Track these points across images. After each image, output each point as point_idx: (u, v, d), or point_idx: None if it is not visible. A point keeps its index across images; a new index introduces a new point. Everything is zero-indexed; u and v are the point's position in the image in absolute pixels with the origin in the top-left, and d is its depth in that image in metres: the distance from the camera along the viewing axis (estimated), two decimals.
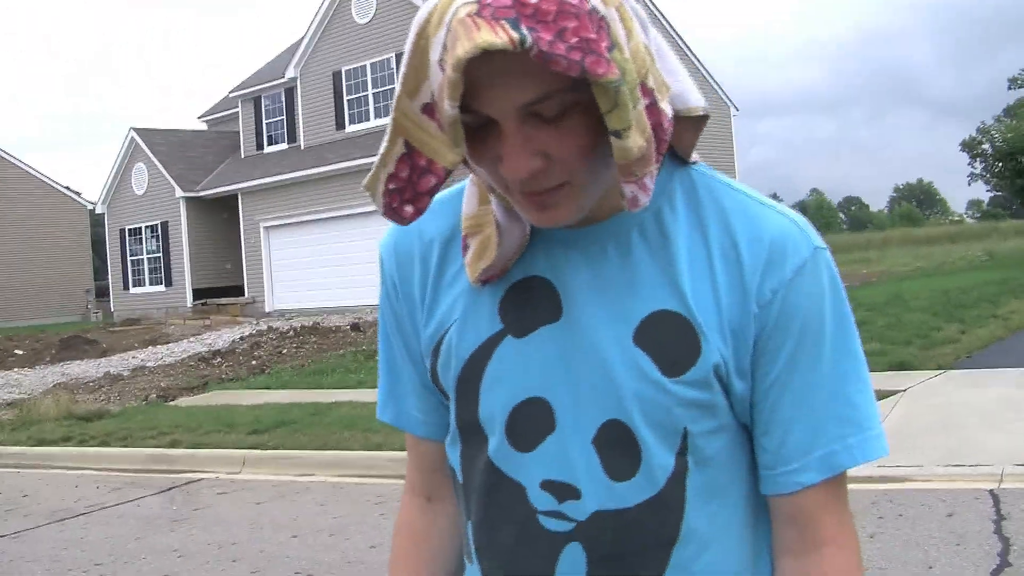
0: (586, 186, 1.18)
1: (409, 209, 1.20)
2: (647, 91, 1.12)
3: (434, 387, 1.44)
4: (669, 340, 1.25)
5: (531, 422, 1.29)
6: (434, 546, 1.54)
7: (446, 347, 1.36)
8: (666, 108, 1.16)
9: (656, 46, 1.21)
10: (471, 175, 1.34)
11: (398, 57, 29.56)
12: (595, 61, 1.02)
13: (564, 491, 1.28)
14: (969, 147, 37.55)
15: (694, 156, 1.33)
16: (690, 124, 1.29)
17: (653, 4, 34.39)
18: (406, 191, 1.18)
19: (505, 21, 1.01)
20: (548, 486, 1.29)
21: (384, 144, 1.16)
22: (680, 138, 1.29)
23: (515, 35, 0.99)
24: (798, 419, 1.27)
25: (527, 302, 1.31)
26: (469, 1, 1.03)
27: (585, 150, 1.13)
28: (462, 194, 1.38)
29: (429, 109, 1.12)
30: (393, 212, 1.20)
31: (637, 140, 1.09)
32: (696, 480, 1.28)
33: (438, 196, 1.42)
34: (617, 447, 1.26)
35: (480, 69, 1.05)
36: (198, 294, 35.02)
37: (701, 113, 1.27)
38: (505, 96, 1.08)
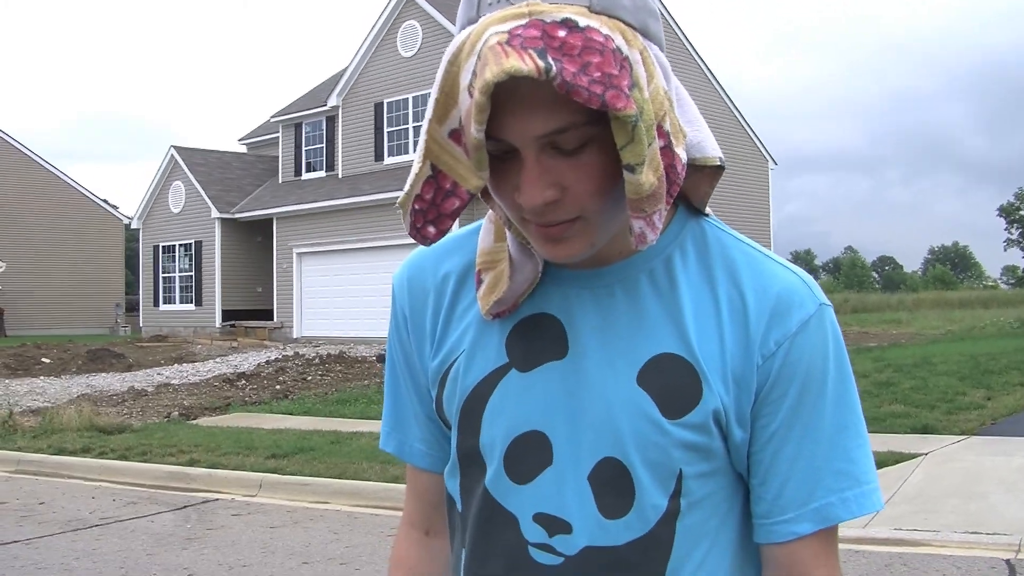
0: (599, 223, 1.21)
1: (432, 230, 1.22)
2: (663, 133, 1.15)
3: (438, 419, 1.47)
4: (671, 382, 1.27)
5: (529, 455, 1.31)
6: None
7: (452, 377, 1.39)
8: (680, 153, 1.19)
9: (677, 95, 1.25)
10: (489, 212, 1.38)
11: None
12: (615, 95, 1.06)
13: (555, 525, 1.30)
14: (1007, 212, 37.30)
15: (707, 209, 1.37)
16: (707, 175, 1.33)
17: (699, 56, 34.50)
18: (429, 212, 1.21)
19: (533, 51, 1.05)
20: (540, 519, 1.31)
21: (416, 165, 1.19)
22: (696, 188, 1.33)
23: (541, 63, 1.03)
24: (796, 471, 1.29)
25: (534, 338, 1.34)
26: (500, 31, 1.07)
27: (600, 185, 1.17)
28: (479, 232, 1.42)
29: (456, 135, 1.15)
30: (417, 232, 1.22)
31: (649, 177, 1.12)
32: (687, 522, 1.29)
33: (456, 232, 1.46)
34: (611, 485, 1.28)
35: (506, 97, 1.09)
36: (227, 315, 35.21)
37: (717, 163, 1.30)
38: (527, 125, 1.12)
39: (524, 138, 1.13)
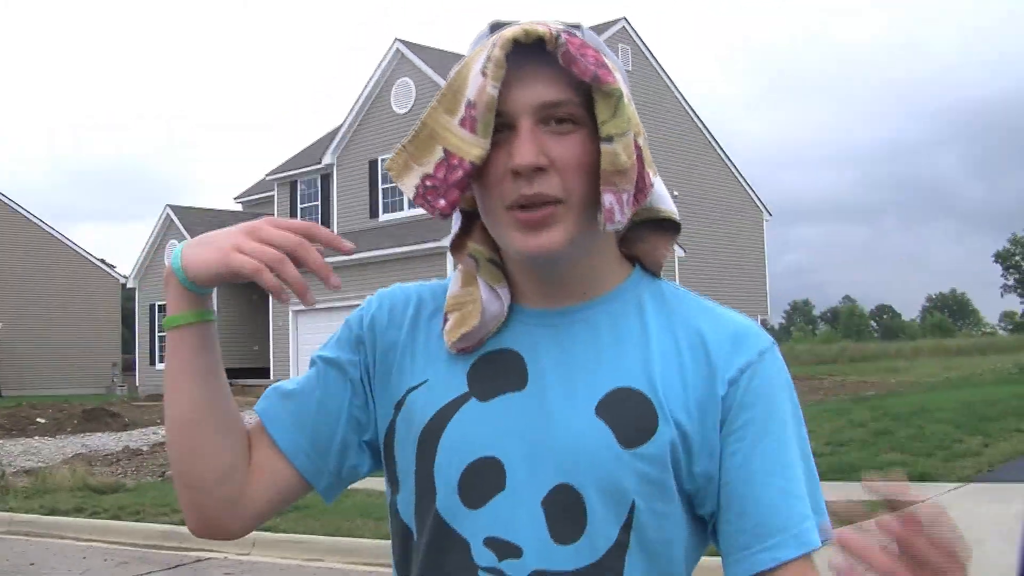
0: (577, 211, 1.31)
1: (442, 202, 1.33)
2: (638, 146, 1.31)
3: (316, 414, 1.48)
4: (629, 414, 1.31)
5: (482, 480, 1.34)
6: (236, 430, 1.55)
7: (410, 403, 1.42)
8: (650, 172, 1.34)
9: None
10: (458, 267, 1.47)
11: None
12: (606, 73, 1.27)
13: (506, 549, 1.32)
14: (1002, 258, 37.29)
15: (660, 274, 1.47)
16: (663, 239, 1.45)
17: (689, 106, 34.69)
18: (440, 188, 1.32)
19: (546, 23, 1.28)
20: (491, 543, 1.33)
21: (410, 135, 1.35)
22: (654, 251, 1.45)
23: (553, 31, 1.26)
24: (770, 497, 1.30)
25: (495, 370, 1.39)
26: (513, 28, 1.29)
27: (581, 163, 1.30)
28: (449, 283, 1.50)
29: (463, 122, 1.29)
30: (426, 203, 1.34)
31: (625, 154, 1.27)
32: (635, 559, 1.31)
33: (431, 283, 1.54)
34: (565, 511, 1.30)
35: (513, 72, 1.27)
36: None
37: (675, 218, 1.42)
38: (529, 94, 1.29)
39: (525, 107, 1.29)
